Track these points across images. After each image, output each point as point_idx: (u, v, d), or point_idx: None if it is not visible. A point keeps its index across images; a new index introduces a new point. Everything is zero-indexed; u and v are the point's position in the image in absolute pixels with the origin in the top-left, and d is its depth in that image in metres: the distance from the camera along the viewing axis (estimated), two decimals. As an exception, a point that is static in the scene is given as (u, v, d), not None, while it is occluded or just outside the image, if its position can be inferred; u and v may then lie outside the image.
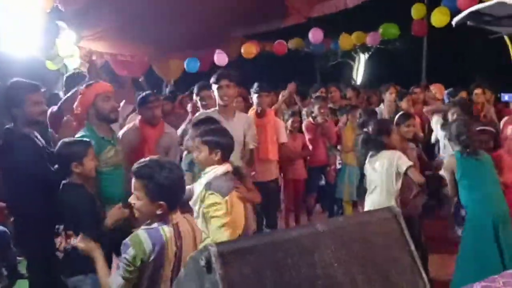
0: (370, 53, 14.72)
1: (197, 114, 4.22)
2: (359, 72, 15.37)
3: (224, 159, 2.90)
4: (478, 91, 6.01)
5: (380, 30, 8.63)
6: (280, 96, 6.04)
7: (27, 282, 3.53)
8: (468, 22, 1.50)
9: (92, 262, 2.47)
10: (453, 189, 3.85)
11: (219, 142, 2.87)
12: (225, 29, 10.31)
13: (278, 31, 10.71)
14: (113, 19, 8.62)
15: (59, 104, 4.40)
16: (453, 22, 1.54)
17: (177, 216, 2.35)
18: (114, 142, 3.58)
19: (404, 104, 5.55)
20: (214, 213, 2.69)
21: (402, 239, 1.94)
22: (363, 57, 15.19)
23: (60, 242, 3.02)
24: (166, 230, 2.26)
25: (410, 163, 3.80)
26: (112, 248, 2.93)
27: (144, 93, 4.44)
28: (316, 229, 1.79)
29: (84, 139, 3.21)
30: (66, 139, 3.17)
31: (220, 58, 9.11)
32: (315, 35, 9.13)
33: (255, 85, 5.00)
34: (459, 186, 3.76)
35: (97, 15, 8.29)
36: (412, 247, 1.97)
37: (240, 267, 1.57)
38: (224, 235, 2.62)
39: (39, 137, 3.34)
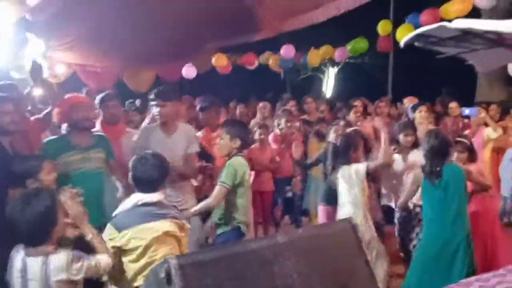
0: (339, 67, 15.01)
1: (141, 127, 4.26)
2: (328, 85, 15.64)
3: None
4: (453, 104, 6.23)
5: (348, 46, 8.83)
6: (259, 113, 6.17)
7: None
8: (416, 43, 1.59)
9: None
10: (409, 199, 3.94)
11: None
12: (197, 42, 10.36)
13: (250, 44, 10.85)
14: (83, 29, 8.55)
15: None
16: (401, 43, 1.63)
17: None
18: (87, 149, 3.71)
19: (351, 116, 5.63)
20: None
21: (360, 250, 2.01)
22: (332, 71, 15.47)
23: None
24: None
25: (365, 165, 3.90)
26: None
27: (103, 93, 4.58)
28: (276, 241, 1.84)
29: (37, 154, 3.35)
30: (20, 156, 3.20)
31: (189, 71, 9.14)
32: (287, 51, 9.27)
33: (201, 102, 5.09)
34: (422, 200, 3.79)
35: (66, 25, 8.20)
36: (369, 258, 2.03)
37: (200, 279, 1.60)
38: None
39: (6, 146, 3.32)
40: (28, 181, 2.94)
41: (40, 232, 2.30)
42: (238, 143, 3.47)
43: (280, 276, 1.75)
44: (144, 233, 2.57)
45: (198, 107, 5.27)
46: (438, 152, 3.61)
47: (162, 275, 1.56)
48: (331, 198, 4.14)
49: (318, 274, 1.85)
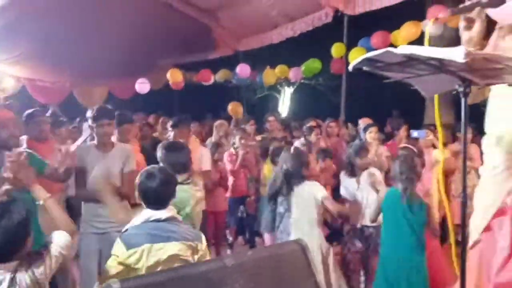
0: (294, 87, 15.25)
1: (75, 148, 4.11)
2: (284, 105, 15.84)
3: None
4: (401, 132, 6.43)
5: (303, 67, 9.00)
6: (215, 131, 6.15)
7: None
8: (364, 68, 1.62)
9: None
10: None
11: None
12: (151, 58, 10.28)
13: (205, 62, 10.86)
14: (32, 43, 8.32)
15: None
16: (350, 68, 1.66)
17: None
18: None
19: (312, 137, 5.74)
20: None
21: (309, 272, 2.00)
22: (288, 91, 15.70)
23: None
24: None
25: (325, 193, 3.94)
26: None
27: (30, 110, 4.47)
28: (224, 264, 1.80)
29: None
30: None
31: (142, 86, 9.02)
32: (242, 69, 9.35)
33: (174, 119, 5.02)
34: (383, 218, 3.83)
35: (15, 39, 7.96)
36: (318, 279, 2.02)
37: (143, 304, 1.54)
38: None
39: None
40: None
41: (11, 247, 2.16)
42: None
43: (228, 300, 1.72)
44: (152, 254, 2.48)
45: (170, 124, 5.16)
46: (411, 176, 3.70)
47: (104, 300, 1.49)
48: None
49: (267, 297, 1.82)
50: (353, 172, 4.49)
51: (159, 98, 10.88)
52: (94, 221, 3.75)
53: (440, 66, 1.48)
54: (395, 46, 1.80)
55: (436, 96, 1.98)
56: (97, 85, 10.45)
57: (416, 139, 6.30)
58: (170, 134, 5.03)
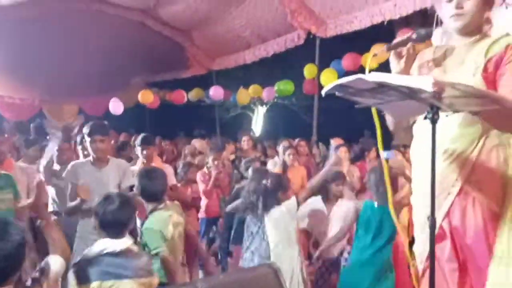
0: (267, 106, 15.36)
1: (70, 164, 4.05)
2: (257, 124, 15.90)
3: None
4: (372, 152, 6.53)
5: (275, 87, 9.09)
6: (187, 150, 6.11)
7: None
8: (336, 93, 1.65)
9: None
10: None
11: None
12: (123, 76, 10.22)
13: (179, 80, 10.85)
14: (2, 59, 8.17)
15: None
16: (322, 92, 1.69)
17: None
18: None
19: (286, 157, 5.77)
20: None
21: (282, 296, 1.98)
22: (261, 110, 15.78)
23: None
24: None
25: (295, 199, 3.95)
26: None
27: None
28: (196, 287, 1.78)
29: None
30: None
31: (115, 106, 8.93)
32: (215, 91, 9.38)
33: (140, 138, 4.96)
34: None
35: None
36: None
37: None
38: None
39: None
40: None
41: (9, 270, 2.03)
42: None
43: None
44: None
45: (138, 142, 5.09)
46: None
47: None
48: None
49: (239, 323, 1.80)
50: (328, 197, 4.49)
51: (131, 116, 10.77)
52: (89, 239, 3.63)
53: (410, 93, 1.52)
54: (365, 68, 1.86)
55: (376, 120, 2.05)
56: (67, 102, 10.29)
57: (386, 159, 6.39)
58: (138, 152, 4.97)
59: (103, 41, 8.79)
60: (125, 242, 2.48)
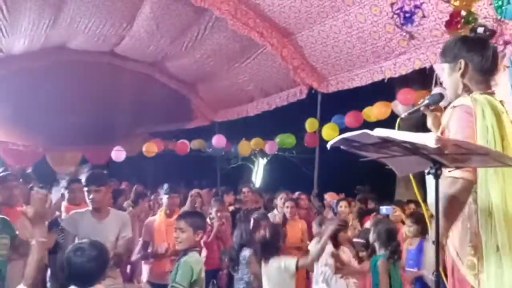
0: (268, 158, 15.46)
1: (70, 213, 4.06)
2: (258, 175, 15.95)
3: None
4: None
5: (277, 140, 9.20)
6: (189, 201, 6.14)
7: None
8: (341, 147, 1.71)
9: None
10: None
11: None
12: (129, 126, 10.37)
13: (182, 130, 11.00)
14: (4, 107, 8.34)
15: None
16: (328, 146, 1.75)
17: None
18: None
19: (285, 209, 5.81)
20: None
21: None
22: (262, 162, 15.89)
23: None
24: None
25: (295, 259, 3.95)
26: None
27: (2, 173, 4.46)
28: None
29: None
30: None
31: (118, 154, 9.01)
32: (218, 140, 9.49)
33: (165, 186, 5.04)
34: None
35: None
36: None
37: None
38: None
39: None
40: None
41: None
42: (201, 235, 3.23)
43: None
44: None
45: (163, 190, 5.16)
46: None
47: None
48: None
49: None
50: (336, 244, 4.52)
51: (132, 164, 10.83)
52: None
53: (413, 149, 1.58)
54: (368, 122, 1.97)
55: (411, 175, 2.12)
56: (71, 150, 10.38)
57: (387, 215, 6.39)
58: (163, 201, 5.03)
59: (110, 91, 9.01)
60: None
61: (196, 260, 3.15)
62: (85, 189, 3.85)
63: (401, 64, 6.22)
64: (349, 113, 7.51)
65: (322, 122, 8.14)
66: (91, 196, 3.80)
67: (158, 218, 4.95)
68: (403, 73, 6.17)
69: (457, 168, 1.73)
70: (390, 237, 3.82)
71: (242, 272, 4.38)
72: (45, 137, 9.68)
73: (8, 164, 9.06)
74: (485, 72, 2.05)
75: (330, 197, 7.28)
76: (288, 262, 3.92)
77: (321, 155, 8.58)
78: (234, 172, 15.40)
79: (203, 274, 3.19)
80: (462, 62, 2.04)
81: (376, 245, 3.87)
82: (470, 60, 2.04)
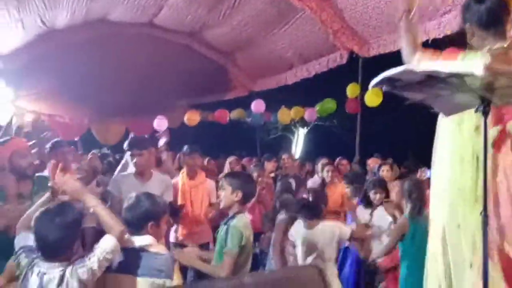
0: (308, 128, 15.35)
1: (115, 175, 4.21)
2: (297, 146, 15.90)
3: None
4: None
5: (317, 107, 9.09)
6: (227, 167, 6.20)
7: None
8: (384, 87, 1.65)
9: None
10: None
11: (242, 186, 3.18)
12: (170, 97, 10.49)
13: (220, 102, 11.03)
14: (52, 80, 8.58)
15: None
16: (370, 86, 1.70)
17: None
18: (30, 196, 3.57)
19: (325, 173, 5.77)
20: None
21: (327, 294, 1.96)
22: (302, 132, 15.79)
23: None
24: None
25: (350, 230, 3.98)
26: None
27: (56, 139, 4.72)
28: (242, 282, 1.78)
29: None
30: None
31: (160, 123, 9.16)
32: (257, 105, 9.46)
33: (186, 147, 5.08)
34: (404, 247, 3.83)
35: (36, 75, 8.22)
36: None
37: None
38: None
39: None
40: None
41: (65, 244, 2.32)
42: (239, 196, 3.19)
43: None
44: None
45: (183, 151, 5.21)
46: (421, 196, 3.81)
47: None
48: None
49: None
50: (369, 204, 4.55)
51: (173, 135, 11.01)
52: None
53: (460, 84, 1.50)
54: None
55: None
56: (114, 122, 10.62)
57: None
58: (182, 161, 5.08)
59: (151, 63, 9.10)
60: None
61: (245, 224, 3.15)
62: (128, 153, 3.97)
63: (445, 24, 5.95)
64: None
65: (364, 88, 7.97)
66: (134, 160, 3.91)
67: (180, 180, 5.01)
68: (448, 33, 5.91)
69: (506, 104, 1.65)
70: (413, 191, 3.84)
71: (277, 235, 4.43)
72: (89, 109, 9.95)
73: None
74: (486, 27, 1.95)
75: (372, 162, 7.17)
76: (344, 230, 3.96)
77: (363, 122, 8.42)
78: (274, 142, 15.41)
79: (251, 238, 3.20)
80: (467, 25, 2.03)
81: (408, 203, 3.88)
82: (470, 20, 2.02)
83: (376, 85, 1.69)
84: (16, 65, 7.50)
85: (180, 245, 4.81)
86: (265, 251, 5.76)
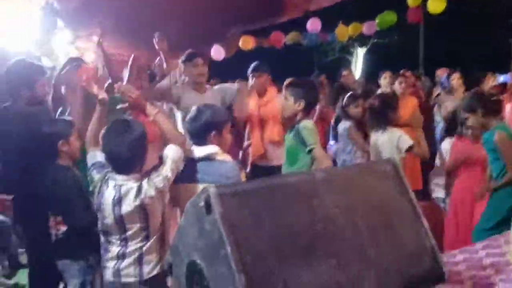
0: (367, 47, 14.71)
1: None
2: (357, 67, 15.36)
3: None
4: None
5: (377, 20, 8.63)
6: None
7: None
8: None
9: (82, 248, 2.73)
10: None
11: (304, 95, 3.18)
12: (223, 27, 10.34)
13: (275, 26, 10.75)
14: (110, 18, 8.65)
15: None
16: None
17: None
18: None
19: (397, 85, 5.51)
20: None
21: (403, 188, 1.92)
22: (360, 52, 15.17)
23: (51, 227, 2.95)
24: None
25: (411, 142, 3.84)
26: None
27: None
28: (314, 177, 1.77)
29: (66, 118, 3.30)
30: (51, 119, 3.33)
31: (216, 52, 9.12)
32: (313, 24, 9.12)
33: (252, 66, 4.94)
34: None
35: (94, 14, 8.31)
36: (413, 196, 1.95)
37: (239, 208, 1.55)
38: None
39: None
40: (58, 143, 2.94)
41: (137, 158, 2.43)
42: (302, 105, 3.20)
43: (320, 210, 1.69)
44: None
45: (249, 70, 5.02)
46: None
47: (202, 204, 1.52)
48: None
49: (360, 210, 1.78)
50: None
51: (230, 63, 10.97)
52: None
53: None
54: None
55: None
56: (172, 56, 10.70)
57: (504, 85, 5.91)
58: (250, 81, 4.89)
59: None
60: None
61: (313, 125, 3.22)
62: (190, 63, 4.17)
63: None
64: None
65: (425, -6, 7.44)
66: (198, 70, 4.20)
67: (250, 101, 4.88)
68: None
69: None
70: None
71: (345, 144, 4.40)
72: (147, 45, 10.03)
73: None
74: None
75: (442, 72, 6.76)
76: (403, 138, 3.82)
77: (426, 32, 7.95)
78: (332, 65, 15.00)
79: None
80: None
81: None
82: None
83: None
84: (73, 4, 7.60)
85: (252, 165, 4.65)
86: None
